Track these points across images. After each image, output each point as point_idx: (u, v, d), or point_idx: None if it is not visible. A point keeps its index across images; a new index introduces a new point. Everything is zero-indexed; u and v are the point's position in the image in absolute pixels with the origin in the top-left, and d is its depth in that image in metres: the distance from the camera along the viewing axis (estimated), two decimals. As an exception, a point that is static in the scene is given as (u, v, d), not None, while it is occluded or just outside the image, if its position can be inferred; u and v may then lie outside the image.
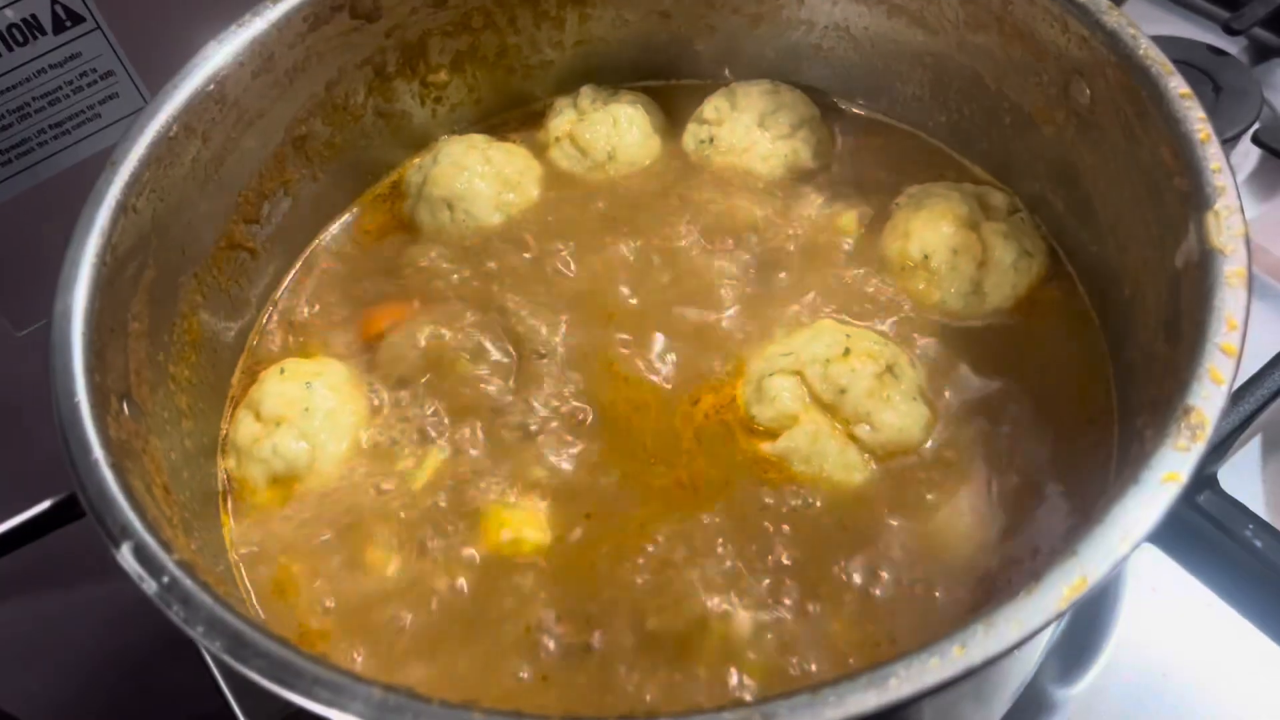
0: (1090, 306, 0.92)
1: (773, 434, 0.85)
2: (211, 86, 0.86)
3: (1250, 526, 0.92)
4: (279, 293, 1.00)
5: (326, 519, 0.85)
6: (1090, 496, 0.80)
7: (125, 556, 0.62)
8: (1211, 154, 0.72)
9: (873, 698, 0.53)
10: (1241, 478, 1.01)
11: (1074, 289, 0.94)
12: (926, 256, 0.93)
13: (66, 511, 0.71)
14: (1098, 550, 0.57)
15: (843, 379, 0.84)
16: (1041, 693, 0.89)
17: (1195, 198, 0.71)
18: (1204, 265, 0.68)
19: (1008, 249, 0.92)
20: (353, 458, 0.88)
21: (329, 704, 0.55)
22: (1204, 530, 0.93)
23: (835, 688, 0.53)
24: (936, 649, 0.55)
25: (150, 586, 0.60)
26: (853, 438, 0.84)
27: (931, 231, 0.93)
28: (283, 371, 0.90)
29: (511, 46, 1.06)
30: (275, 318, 0.98)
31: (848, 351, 0.85)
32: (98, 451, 0.67)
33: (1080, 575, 0.56)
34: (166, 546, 0.63)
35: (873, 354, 0.85)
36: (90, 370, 0.71)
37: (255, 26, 0.89)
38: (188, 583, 0.61)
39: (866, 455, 0.84)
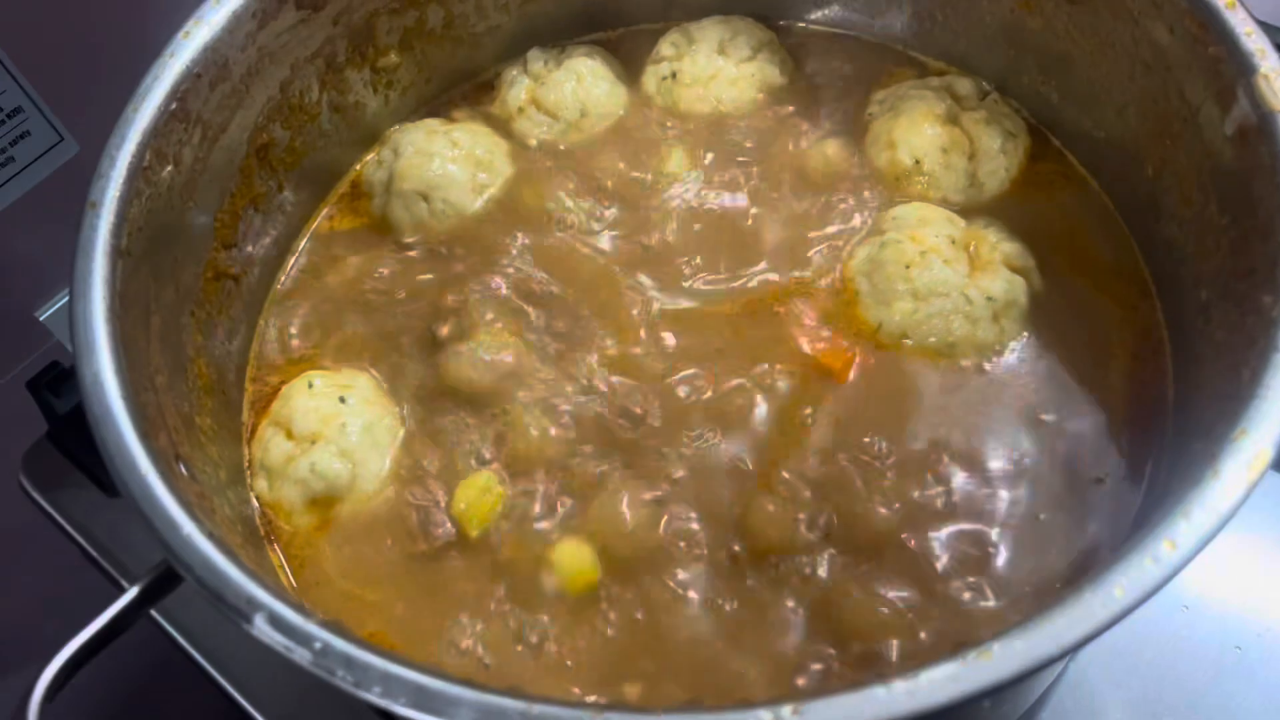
0: (1086, 173, 0.93)
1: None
2: (174, 105, 0.78)
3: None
4: (269, 316, 0.92)
5: (378, 542, 0.80)
6: (1133, 364, 0.82)
7: (263, 629, 0.55)
8: (1240, 19, 0.73)
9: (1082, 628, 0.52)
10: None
11: (1064, 159, 0.95)
12: (918, 161, 0.92)
13: (156, 593, 0.63)
14: (1264, 422, 0.58)
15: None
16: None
17: (1235, 64, 0.72)
18: (1265, 127, 0.69)
19: (992, 135, 0.93)
20: (394, 476, 0.83)
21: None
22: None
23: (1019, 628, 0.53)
24: (1144, 548, 0.54)
25: (304, 656, 0.54)
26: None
27: (916, 135, 0.93)
28: (311, 386, 0.83)
29: (458, 16, 0.99)
30: (272, 344, 0.90)
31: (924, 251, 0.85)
32: (188, 525, 0.60)
33: (1257, 449, 0.57)
34: (302, 610, 0.57)
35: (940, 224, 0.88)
36: (144, 436, 0.63)
37: (204, 33, 0.80)
38: (341, 644, 0.55)
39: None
